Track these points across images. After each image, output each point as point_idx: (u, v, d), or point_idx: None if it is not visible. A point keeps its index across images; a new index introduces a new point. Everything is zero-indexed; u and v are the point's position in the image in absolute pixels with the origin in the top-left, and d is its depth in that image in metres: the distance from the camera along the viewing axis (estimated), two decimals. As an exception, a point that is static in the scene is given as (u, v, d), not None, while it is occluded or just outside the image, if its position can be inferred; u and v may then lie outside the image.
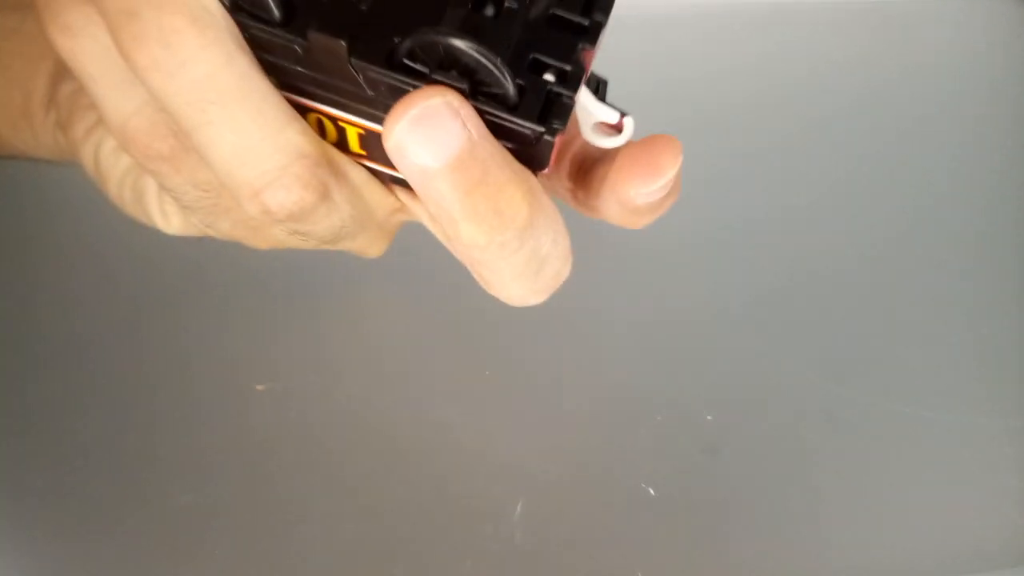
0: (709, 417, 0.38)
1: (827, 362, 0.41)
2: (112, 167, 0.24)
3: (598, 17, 0.20)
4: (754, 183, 0.50)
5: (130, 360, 0.38)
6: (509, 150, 0.20)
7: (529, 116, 0.19)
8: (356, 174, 0.22)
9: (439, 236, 0.24)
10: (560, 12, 0.20)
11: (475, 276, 0.23)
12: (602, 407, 0.39)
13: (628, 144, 0.22)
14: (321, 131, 0.21)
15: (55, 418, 0.36)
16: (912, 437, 0.39)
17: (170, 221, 0.25)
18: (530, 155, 0.20)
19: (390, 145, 0.18)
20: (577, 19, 0.20)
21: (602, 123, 0.22)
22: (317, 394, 0.37)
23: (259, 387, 0.37)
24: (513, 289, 0.22)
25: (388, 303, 0.42)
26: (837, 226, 0.48)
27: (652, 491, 0.36)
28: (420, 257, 0.42)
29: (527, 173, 0.20)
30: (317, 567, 0.33)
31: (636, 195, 0.22)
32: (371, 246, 0.26)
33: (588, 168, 0.24)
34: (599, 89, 0.30)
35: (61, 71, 0.25)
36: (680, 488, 0.36)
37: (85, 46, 0.20)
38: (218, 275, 0.41)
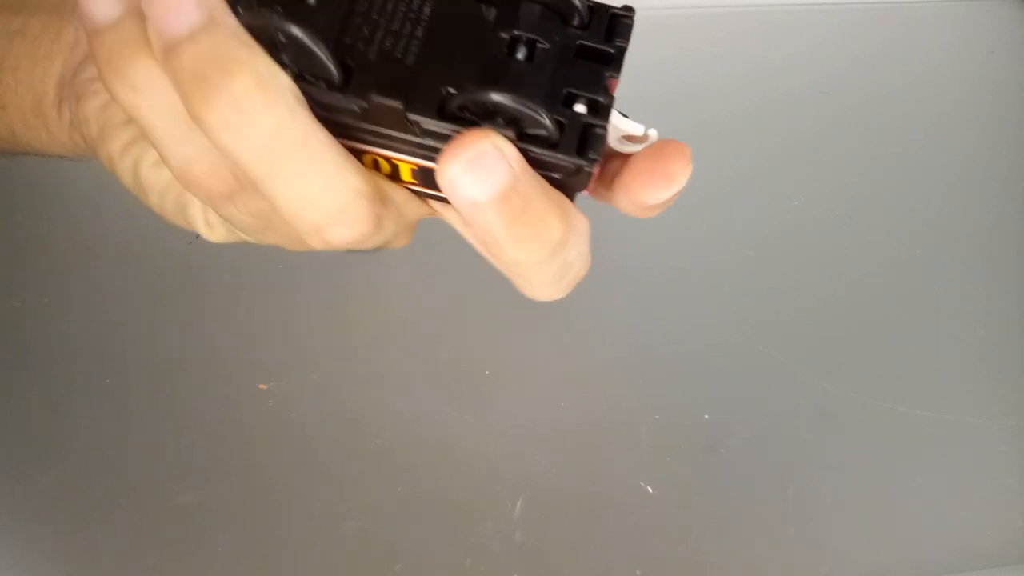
0: (707, 416, 0.39)
1: (825, 362, 0.41)
2: (154, 181, 0.25)
3: (620, 43, 0.23)
4: (754, 184, 0.50)
5: (130, 360, 0.38)
6: (555, 179, 0.22)
7: (569, 151, 0.21)
8: (399, 196, 0.24)
9: (468, 237, 0.27)
10: (587, 42, 0.23)
11: (504, 274, 0.26)
12: (601, 406, 0.39)
13: (642, 151, 0.24)
14: (376, 166, 0.24)
15: (55, 418, 0.36)
16: (910, 436, 0.39)
17: (215, 231, 0.26)
18: (571, 183, 0.23)
19: (444, 182, 0.21)
20: (603, 47, 0.23)
21: (629, 135, 0.24)
22: (317, 394, 0.38)
23: (262, 386, 0.38)
24: (540, 290, 0.25)
25: (390, 304, 0.42)
26: (836, 226, 0.48)
27: (650, 489, 0.36)
28: (423, 261, 0.42)
29: (562, 199, 0.22)
30: (318, 564, 0.33)
31: (648, 198, 0.24)
32: (398, 240, 0.29)
33: (604, 166, 0.26)
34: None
35: (78, 84, 0.26)
36: (678, 486, 0.36)
37: (150, 102, 0.21)
38: (219, 276, 0.41)
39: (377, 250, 0.31)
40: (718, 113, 0.54)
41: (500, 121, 0.21)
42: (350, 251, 0.27)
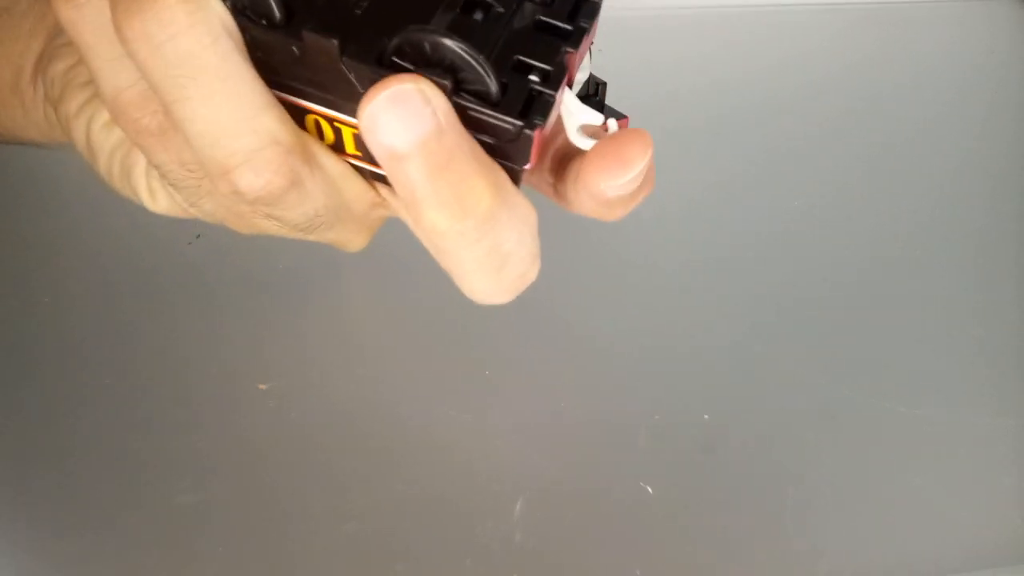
0: (706, 416, 0.39)
1: (825, 362, 0.41)
2: (103, 142, 0.25)
3: (582, 23, 0.22)
4: (753, 184, 0.50)
5: (130, 360, 0.38)
6: (492, 145, 0.20)
7: (510, 112, 0.20)
8: (333, 166, 0.23)
9: (410, 225, 0.25)
10: (546, 18, 0.21)
11: (442, 266, 0.24)
12: (600, 407, 0.39)
13: (600, 140, 0.22)
14: (319, 133, 0.22)
15: (55, 418, 0.36)
16: (910, 436, 0.39)
17: (156, 199, 0.26)
18: (512, 151, 0.21)
19: (363, 123, 0.19)
20: (562, 24, 0.21)
21: (587, 126, 0.23)
22: (317, 394, 0.38)
23: (261, 386, 0.38)
24: (475, 282, 0.22)
25: (391, 304, 0.42)
26: (835, 226, 0.48)
27: (650, 489, 0.36)
28: (424, 259, 0.42)
29: (495, 167, 0.21)
30: (318, 565, 0.33)
31: (606, 188, 0.22)
32: (351, 239, 0.27)
33: (567, 163, 0.25)
34: (598, 91, 0.31)
35: (51, 49, 0.26)
36: (678, 487, 0.36)
37: (87, 16, 0.21)
38: (219, 275, 0.41)
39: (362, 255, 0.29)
40: (717, 113, 0.54)
41: (438, 71, 0.19)
42: (309, 242, 0.26)
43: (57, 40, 0.26)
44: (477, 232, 0.20)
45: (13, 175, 0.45)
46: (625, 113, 0.45)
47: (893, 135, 0.54)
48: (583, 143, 0.23)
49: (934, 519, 0.36)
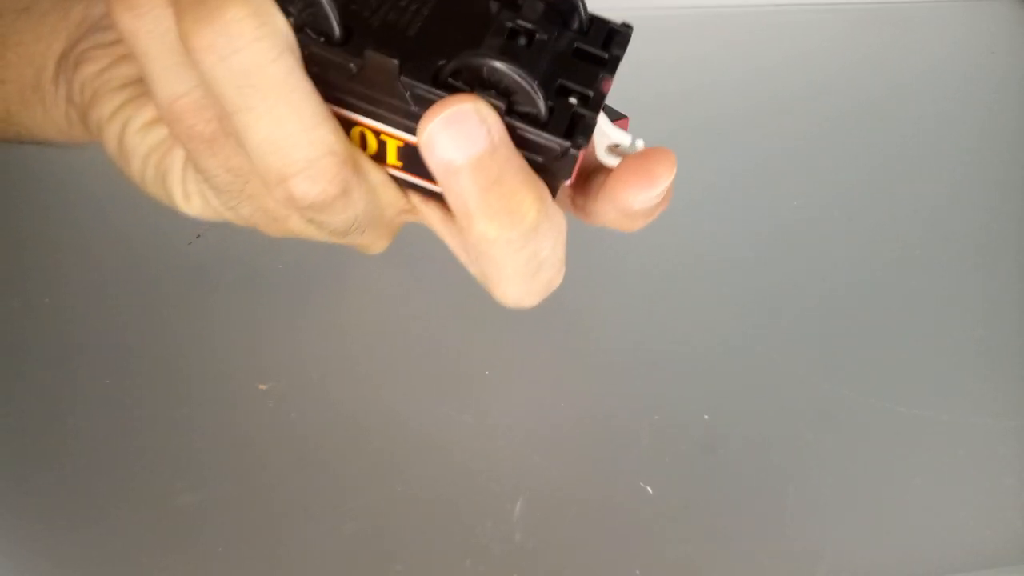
0: (706, 416, 0.39)
1: (825, 362, 0.41)
2: (137, 146, 0.25)
3: (616, 51, 0.23)
4: (753, 185, 0.50)
5: (129, 360, 0.38)
6: (538, 163, 0.22)
7: (557, 132, 0.22)
8: (375, 175, 0.24)
9: (446, 238, 0.27)
10: (583, 46, 0.23)
11: (477, 274, 0.25)
12: (600, 407, 0.39)
13: (626, 156, 0.24)
14: (363, 143, 0.24)
15: (55, 418, 0.36)
16: (909, 437, 0.39)
17: (191, 202, 0.26)
18: (555, 167, 0.22)
19: (423, 139, 0.21)
20: (598, 52, 0.23)
21: (615, 145, 0.24)
22: (317, 394, 0.38)
23: (261, 386, 0.38)
24: (510, 287, 0.24)
25: (391, 304, 0.42)
26: (836, 226, 0.48)
27: (650, 490, 0.36)
28: (425, 260, 0.42)
29: (540, 182, 0.22)
30: (318, 565, 0.33)
31: (633, 201, 0.24)
32: (376, 242, 0.28)
33: (587, 176, 0.26)
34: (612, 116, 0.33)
35: (77, 52, 0.26)
36: (678, 487, 0.36)
37: (147, 25, 0.21)
38: (219, 275, 0.41)
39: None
40: (718, 113, 0.54)
41: (492, 92, 0.21)
42: (328, 243, 0.27)
43: (84, 43, 0.26)
44: (522, 240, 0.22)
45: (13, 175, 0.45)
46: (625, 113, 0.45)
47: (893, 135, 0.54)
48: (610, 160, 0.24)
49: (934, 519, 0.36)
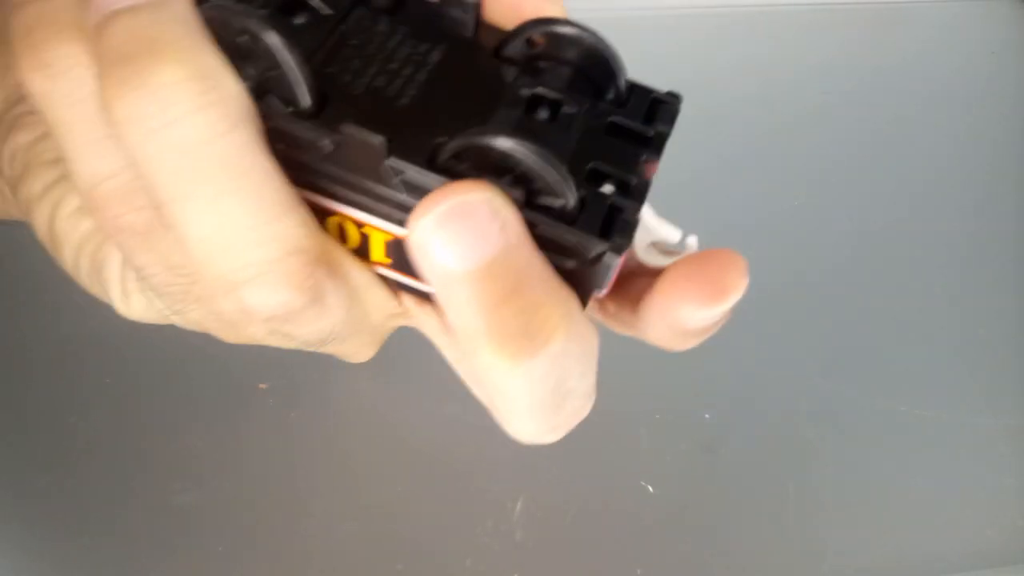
0: (707, 416, 0.39)
1: (825, 361, 0.41)
2: (70, 232, 0.21)
3: (662, 128, 0.19)
4: (752, 182, 0.50)
5: (129, 359, 0.38)
6: (565, 269, 0.17)
7: (591, 229, 0.17)
8: (358, 276, 0.19)
9: (447, 355, 0.22)
10: (621, 120, 0.19)
11: (483, 401, 0.20)
12: (601, 406, 0.38)
13: (679, 259, 0.19)
14: (342, 236, 0.19)
15: (55, 418, 0.36)
16: (910, 436, 0.39)
17: (131, 303, 0.22)
18: (587, 275, 0.18)
19: (414, 239, 0.16)
20: (640, 128, 0.19)
21: (659, 242, 0.20)
22: (317, 394, 0.38)
23: (261, 385, 0.38)
24: (526, 424, 0.19)
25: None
26: (835, 225, 0.48)
27: (651, 489, 0.36)
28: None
29: (568, 293, 0.17)
30: (318, 565, 0.33)
31: (691, 318, 0.18)
32: (359, 351, 0.24)
33: (623, 279, 0.21)
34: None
35: (11, 117, 0.22)
36: (678, 486, 0.36)
37: (64, 90, 0.17)
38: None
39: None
40: (718, 113, 0.54)
41: (507, 179, 0.16)
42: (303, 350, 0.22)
43: (21, 106, 0.21)
44: (545, 371, 0.17)
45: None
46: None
47: (894, 135, 0.54)
48: (656, 260, 0.19)
49: (935, 518, 0.36)
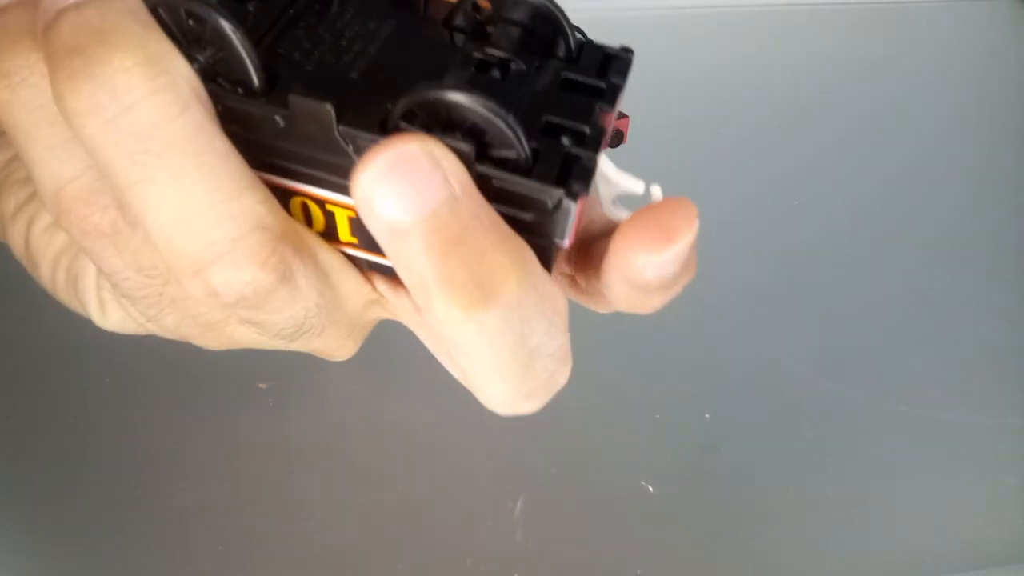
0: (707, 415, 0.39)
1: (825, 360, 0.41)
2: (45, 246, 0.21)
3: (615, 79, 0.19)
4: (751, 181, 0.50)
5: (129, 359, 0.38)
6: (525, 222, 0.17)
7: (546, 178, 0.17)
8: (327, 257, 0.19)
9: (424, 339, 0.22)
10: (573, 75, 0.19)
11: (453, 371, 0.20)
12: (601, 405, 0.39)
13: (636, 211, 0.19)
14: (307, 217, 0.19)
15: (55, 418, 0.36)
16: (910, 435, 0.39)
17: (107, 313, 0.22)
18: (548, 225, 0.17)
19: (358, 194, 0.16)
20: (593, 81, 0.19)
21: (625, 195, 0.20)
22: (316, 393, 0.38)
23: (261, 385, 0.38)
24: (496, 386, 0.19)
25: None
26: (835, 224, 0.48)
27: (651, 488, 0.36)
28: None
29: (520, 243, 0.17)
30: (318, 564, 0.33)
31: (645, 266, 0.18)
32: (340, 346, 0.24)
33: (588, 247, 0.21)
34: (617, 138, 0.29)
35: None
36: (678, 485, 0.36)
37: (23, 97, 0.17)
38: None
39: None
40: (718, 113, 0.54)
41: (458, 135, 0.16)
42: (286, 351, 0.23)
43: None
44: (501, 322, 0.17)
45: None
46: (625, 112, 0.45)
47: (894, 135, 0.54)
48: (619, 214, 0.20)
49: (935, 517, 0.36)
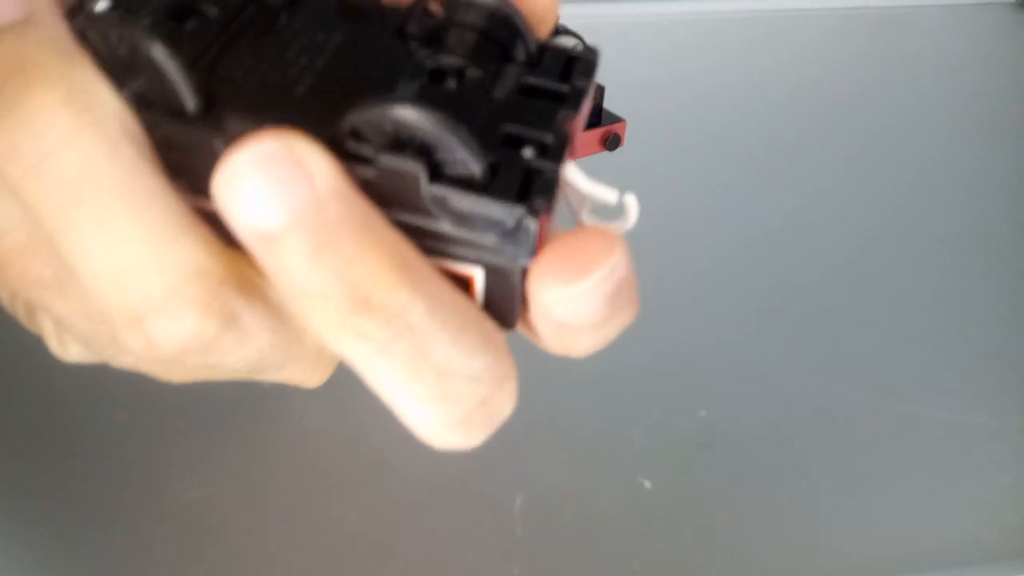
0: (703, 413, 0.39)
1: (821, 359, 0.42)
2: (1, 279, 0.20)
3: (579, 82, 0.17)
4: (752, 184, 0.50)
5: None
6: (483, 244, 0.16)
7: (505, 196, 0.15)
8: (277, 292, 0.17)
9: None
10: (534, 81, 0.17)
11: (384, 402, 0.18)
12: (599, 404, 0.39)
13: (556, 238, 0.16)
14: None
15: (55, 418, 0.36)
16: (906, 434, 0.39)
17: (66, 349, 0.20)
18: (507, 247, 0.16)
19: (216, 195, 0.15)
20: (555, 86, 0.17)
21: (598, 206, 0.18)
22: (318, 393, 0.37)
23: (264, 384, 0.38)
24: (410, 410, 0.17)
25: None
26: (834, 226, 0.48)
27: (648, 484, 0.36)
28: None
29: (401, 245, 0.16)
30: (319, 560, 0.33)
31: (557, 300, 0.16)
32: (307, 377, 0.22)
33: None
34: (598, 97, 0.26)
35: None
36: (675, 481, 0.36)
37: None
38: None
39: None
40: (717, 116, 0.54)
41: (409, 153, 0.15)
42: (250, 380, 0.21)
43: None
44: (383, 333, 0.15)
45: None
46: (622, 116, 0.45)
47: (893, 137, 0.55)
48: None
49: (931, 515, 0.36)
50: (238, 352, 0.17)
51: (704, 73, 0.57)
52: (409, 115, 0.15)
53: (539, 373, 0.40)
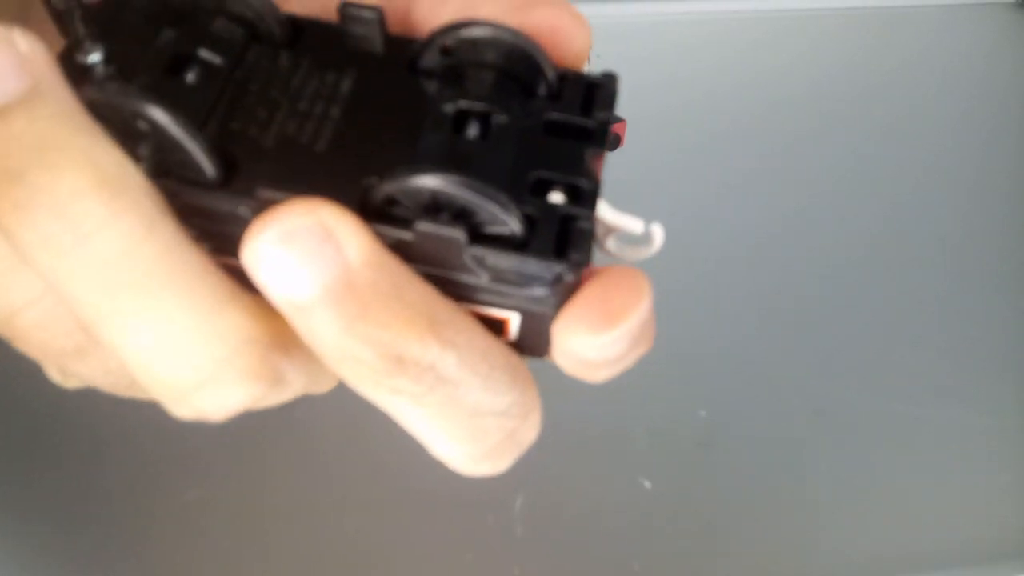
0: (703, 413, 0.39)
1: (819, 359, 0.42)
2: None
3: (601, 115, 0.17)
4: (751, 185, 0.50)
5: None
6: (531, 298, 0.16)
7: (544, 252, 0.15)
8: None
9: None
10: (557, 116, 0.17)
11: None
12: (599, 404, 0.39)
13: (585, 286, 0.17)
14: None
15: (55, 418, 0.36)
16: (904, 434, 0.39)
17: (68, 380, 0.20)
18: (547, 297, 0.16)
19: (247, 268, 0.15)
20: (579, 121, 0.17)
21: (624, 234, 0.18)
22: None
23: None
24: (444, 448, 0.18)
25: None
26: (834, 226, 0.48)
27: (648, 484, 0.36)
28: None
29: (430, 301, 0.16)
30: (320, 560, 0.33)
31: (587, 348, 0.16)
32: (323, 387, 0.21)
33: None
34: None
35: None
36: (674, 481, 0.36)
37: None
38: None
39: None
40: (718, 116, 0.54)
41: (445, 216, 0.15)
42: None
43: None
44: (416, 387, 0.16)
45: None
46: (622, 116, 0.45)
47: (893, 137, 0.55)
48: (625, 254, 0.19)
49: (930, 514, 0.37)
50: (278, 399, 0.17)
51: (705, 73, 0.57)
52: (444, 186, 0.14)
53: (539, 373, 0.40)
